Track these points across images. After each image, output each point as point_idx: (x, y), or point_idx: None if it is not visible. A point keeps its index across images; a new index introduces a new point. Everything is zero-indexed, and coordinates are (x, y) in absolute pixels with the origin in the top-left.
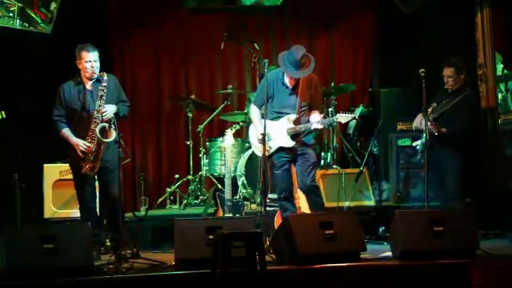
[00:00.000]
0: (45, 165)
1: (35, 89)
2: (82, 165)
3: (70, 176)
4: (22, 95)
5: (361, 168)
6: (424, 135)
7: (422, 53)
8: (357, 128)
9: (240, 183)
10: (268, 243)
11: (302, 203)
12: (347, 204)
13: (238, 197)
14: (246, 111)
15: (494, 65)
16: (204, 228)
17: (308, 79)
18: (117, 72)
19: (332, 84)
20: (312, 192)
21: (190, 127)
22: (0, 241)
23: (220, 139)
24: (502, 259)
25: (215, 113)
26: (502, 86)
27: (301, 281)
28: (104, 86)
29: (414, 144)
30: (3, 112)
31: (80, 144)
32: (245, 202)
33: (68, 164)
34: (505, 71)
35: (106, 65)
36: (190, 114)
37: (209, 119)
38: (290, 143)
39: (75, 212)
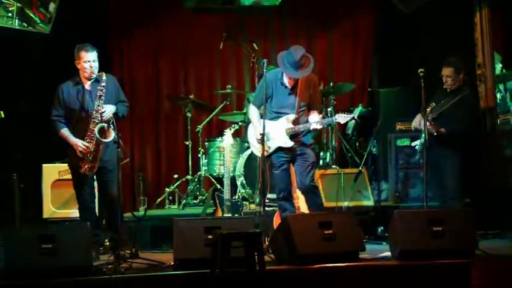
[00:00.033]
0: (44, 165)
1: (33, 89)
2: (81, 165)
3: (69, 176)
4: (21, 95)
5: (360, 168)
6: (423, 135)
7: (421, 53)
8: (356, 128)
9: (239, 183)
10: (267, 243)
11: (301, 203)
12: (346, 204)
13: (237, 197)
14: (244, 111)
15: (493, 65)
16: (203, 228)
17: (307, 79)
18: (116, 72)
19: (331, 84)
20: (311, 192)
21: (189, 127)
22: None
23: (219, 139)
24: (501, 259)
25: (214, 113)
26: (500, 86)
27: (300, 281)
28: (103, 86)
29: (413, 144)
30: (1, 112)
31: (79, 144)
32: (244, 202)
33: (67, 164)
34: (504, 70)
35: (104, 65)
36: (189, 114)
37: (208, 119)
38: (289, 143)
39: (74, 212)
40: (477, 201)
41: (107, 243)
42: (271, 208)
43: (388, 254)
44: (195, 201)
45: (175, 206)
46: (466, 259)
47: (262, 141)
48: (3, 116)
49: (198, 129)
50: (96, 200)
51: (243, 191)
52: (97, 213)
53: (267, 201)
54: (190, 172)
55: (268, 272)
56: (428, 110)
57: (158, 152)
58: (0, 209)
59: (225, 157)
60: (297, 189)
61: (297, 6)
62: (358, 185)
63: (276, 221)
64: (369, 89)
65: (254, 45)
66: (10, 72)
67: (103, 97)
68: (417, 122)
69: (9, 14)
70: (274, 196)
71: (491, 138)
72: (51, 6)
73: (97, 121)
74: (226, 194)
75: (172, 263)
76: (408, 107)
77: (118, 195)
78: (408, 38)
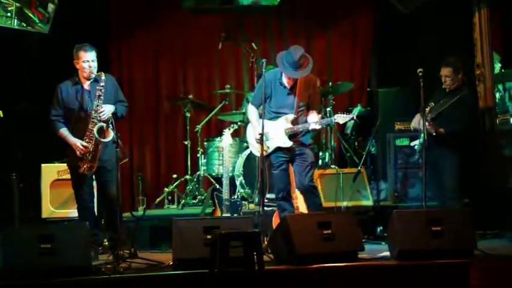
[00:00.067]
0: (43, 165)
1: (32, 89)
2: (80, 165)
3: (68, 176)
4: (20, 95)
5: (359, 168)
6: (422, 135)
7: (420, 53)
8: (355, 128)
9: (238, 183)
10: (266, 243)
11: (300, 203)
12: (344, 204)
13: (236, 196)
14: (243, 110)
15: (492, 65)
16: (202, 228)
17: (306, 79)
18: (115, 72)
19: (330, 83)
20: (310, 192)
21: (188, 127)
22: None
23: (218, 139)
24: (499, 259)
25: (213, 112)
26: (499, 86)
27: (299, 281)
28: (102, 86)
29: (412, 144)
30: (0, 112)
31: (78, 144)
32: (243, 202)
33: (66, 164)
34: (503, 70)
35: (103, 65)
36: (188, 114)
37: (207, 119)
38: (288, 143)
39: (73, 212)
40: (476, 201)
41: (106, 243)
42: (270, 208)
43: (387, 253)
44: (194, 201)
45: (174, 206)
46: (464, 259)
47: (261, 141)
48: (2, 115)
49: (197, 129)
50: (95, 200)
51: (242, 190)
52: (96, 213)
53: (266, 201)
54: (189, 172)
55: (267, 272)
56: (427, 110)
57: (157, 151)
58: None
59: (224, 157)
60: (296, 189)
61: (295, 6)
62: (357, 184)
63: (275, 220)
64: (368, 89)
65: (253, 45)
66: (9, 72)
67: (101, 97)
68: (417, 122)
69: (8, 14)
70: (273, 196)
71: (490, 138)
72: (50, 7)
73: (95, 121)
74: (225, 194)
75: (171, 263)
76: (407, 107)
77: (117, 195)
78: (407, 38)
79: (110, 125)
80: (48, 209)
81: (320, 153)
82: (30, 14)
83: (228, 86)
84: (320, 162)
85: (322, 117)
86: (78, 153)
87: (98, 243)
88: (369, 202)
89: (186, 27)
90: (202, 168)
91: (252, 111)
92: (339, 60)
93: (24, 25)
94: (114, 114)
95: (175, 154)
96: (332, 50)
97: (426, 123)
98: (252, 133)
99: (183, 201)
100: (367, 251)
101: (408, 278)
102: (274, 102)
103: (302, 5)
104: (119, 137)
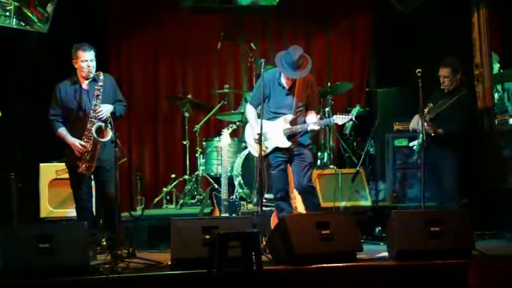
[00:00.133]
0: (41, 164)
1: (31, 89)
2: (78, 165)
3: (66, 176)
4: (18, 95)
5: (358, 168)
6: (421, 135)
7: (419, 53)
8: (354, 128)
9: (236, 183)
10: (264, 243)
11: (298, 203)
12: (343, 204)
13: (234, 196)
14: (241, 110)
15: (491, 65)
16: (200, 228)
17: (305, 80)
18: (114, 71)
19: (329, 83)
20: (308, 193)
21: (186, 127)
22: None
23: (217, 139)
24: (498, 259)
25: (212, 112)
26: (498, 86)
27: (297, 281)
28: (101, 86)
29: (410, 144)
30: None
31: (77, 143)
32: (241, 202)
33: (64, 163)
34: (502, 70)
35: (102, 65)
36: (186, 114)
37: (206, 118)
38: (286, 144)
39: (71, 212)
40: (474, 202)
41: (105, 243)
42: (269, 208)
43: (385, 254)
44: (193, 201)
45: (173, 206)
46: (463, 259)
47: (259, 141)
48: (0, 115)
49: (196, 129)
50: (93, 200)
51: (240, 191)
52: (94, 213)
53: (264, 201)
54: (188, 172)
55: (265, 272)
56: (426, 110)
57: (156, 151)
58: None
59: (223, 157)
60: (294, 190)
61: (295, 6)
62: (356, 185)
63: (274, 221)
64: (366, 89)
65: (252, 45)
66: (8, 71)
67: (100, 96)
68: (415, 122)
69: (7, 13)
70: (271, 196)
71: (488, 138)
72: (49, 7)
73: (94, 120)
74: (224, 194)
75: (170, 263)
76: (406, 107)
77: (116, 194)
78: (406, 38)
79: (109, 125)
80: (47, 209)
81: (319, 154)
82: (29, 14)
83: (227, 86)
84: (319, 162)
85: (321, 118)
86: (76, 152)
87: (96, 243)
88: (367, 202)
89: (185, 27)
90: (201, 168)
91: (250, 111)
92: (338, 60)
93: (23, 24)
94: (113, 113)
95: (174, 154)
96: (331, 50)
97: (425, 124)
98: (250, 133)
99: (182, 201)
100: (365, 252)
101: (407, 278)
102: (273, 103)
103: (301, 5)
104: (117, 137)
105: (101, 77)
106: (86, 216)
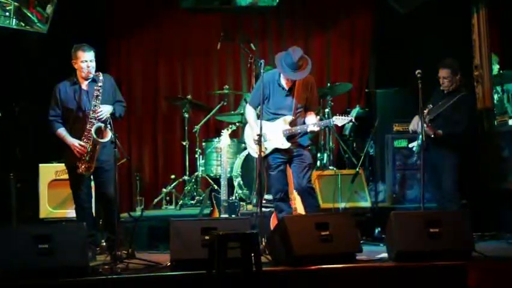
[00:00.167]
0: (40, 165)
1: (31, 89)
2: (78, 165)
3: (66, 176)
4: (19, 95)
5: (357, 169)
6: (420, 136)
7: (419, 54)
8: (354, 129)
9: (236, 183)
10: (263, 244)
11: (298, 204)
12: (342, 205)
13: (234, 197)
14: (241, 111)
15: (491, 66)
16: (200, 229)
17: (304, 81)
18: (113, 72)
19: (328, 84)
20: (307, 194)
21: (186, 127)
22: None
23: (216, 139)
24: (497, 260)
25: (211, 113)
26: (498, 88)
27: (296, 282)
28: (100, 86)
29: (410, 145)
30: None
31: (76, 144)
32: (241, 203)
33: (63, 164)
34: (501, 71)
35: (102, 65)
36: (186, 115)
37: (205, 119)
38: (286, 145)
39: (71, 212)
40: (474, 203)
41: (104, 244)
42: (268, 209)
43: (385, 255)
44: (192, 202)
45: (172, 207)
46: (462, 261)
47: (259, 142)
48: (0, 115)
49: (195, 129)
50: (93, 200)
51: (240, 191)
52: (94, 214)
53: (263, 202)
54: (187, 173)
55: (264, 273)
56: (426, 111)
57: (155, 152)
58: None
59: (222, 158)
60: (294, 191)
61: (294, 6)
62: (355, 186)
63: (273, 222)
64: (366, 90)
65: (251, 45)
66: (7, 71)
67: (99, 97)
68: (415, 124)
69: (7, 14)
70: (271, 197)
71: (488, 139)
72: (49, 8)
73: (94, 121)
74: (223, 195)
75: (169, 264)
76: (406, 108)
77: (115, 195)
78: (405, 38)
79: (108, 125)
80: (46, 209)
81: (318, 154)
82: (28, 14)
83: (227, 87)
84: (318, 163)
85: (320, 119)
86: (76, 153)
87: (95, 243)
88: (367, 203)
89: (185, 27)
90: (200, 168)
91: (250, 112)
92: (337, 61)
93: (23, 25)
94: (112, 114)
95: (173, 154)
96: (330, 50)
97: (425, 125)
98: (250, 134)
99: (181, 201)
100: (365, 253)
101: (406, 279)
102: (273, 103)
103: (301, 5)
104: (117, 137)
105: (101, 78)
106: (86, 216)
